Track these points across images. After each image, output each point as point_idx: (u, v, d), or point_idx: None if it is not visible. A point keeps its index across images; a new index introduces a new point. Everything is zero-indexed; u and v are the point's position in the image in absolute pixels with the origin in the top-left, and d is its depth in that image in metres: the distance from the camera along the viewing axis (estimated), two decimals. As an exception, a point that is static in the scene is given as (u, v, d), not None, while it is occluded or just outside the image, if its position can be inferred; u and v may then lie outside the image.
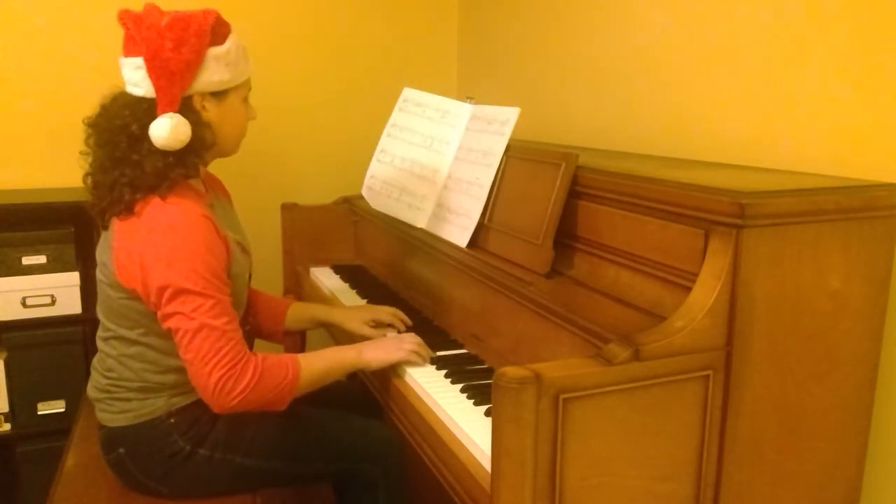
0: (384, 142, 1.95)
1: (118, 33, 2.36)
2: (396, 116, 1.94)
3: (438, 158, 1.79)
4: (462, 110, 1.80)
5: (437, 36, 2.80)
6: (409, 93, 1.94)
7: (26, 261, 2.07)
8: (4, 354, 2.06)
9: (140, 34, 1.29)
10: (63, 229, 2.11)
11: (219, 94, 1.38)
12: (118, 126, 1.32)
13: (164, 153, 1.31)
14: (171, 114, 1.30)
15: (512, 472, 0.97)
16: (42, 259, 2.08)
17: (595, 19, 1.98)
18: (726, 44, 1.55)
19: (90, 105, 2.12)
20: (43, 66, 2.29)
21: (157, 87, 1.30)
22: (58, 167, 2.33)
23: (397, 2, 2.72)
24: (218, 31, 1.34)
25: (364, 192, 1.98)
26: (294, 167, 2.66)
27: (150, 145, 1.31)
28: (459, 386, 1.38)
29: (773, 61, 1.44)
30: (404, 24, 2.74)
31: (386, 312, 1.70)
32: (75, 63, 2.32)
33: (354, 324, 1.67)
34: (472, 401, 1.31)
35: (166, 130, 1.29)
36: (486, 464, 1.09)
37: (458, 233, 1.64)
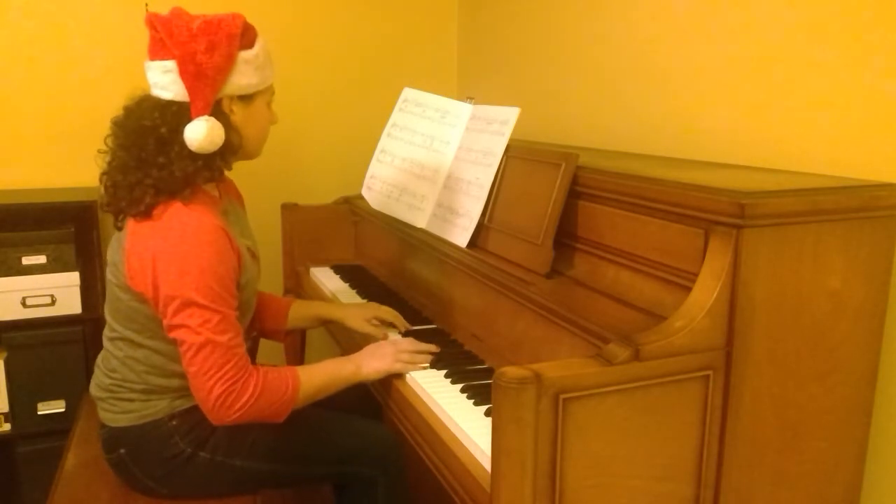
0: (384, 142, 1.95)
1: (119, 34, 2.38)
2: (396, 116, 1.94)
3: (438, 158, 1.79)
4: (462, 110, 1.80)
5: (437, 36, 2.80)
6: (409, 93, 1.94)
7: (26, 261, 2.07)
8: (4, 354, 2.06)
9: (171, 38, 1.28)
10: (63, 229, 2.11)
11: (246, 98, 1.38)
12: (147, 127, 1.31)
13: (194, 157, 1.32)
14: (206, 117, 1.31)
15: (512, 472, 0.97)
16: (42, 259, 2.08)
17: (595, 19, 1.98)
18: (726, 44, 1.55)
19: (91, 105, 2.14)
20: (43, 67, 2.29)
21: (191, 91, 1.30)
22: (58, 167, 2.33)
23: (397, 2, 2.72)
24: (247, 34, 1.35)
25: (364, 192, 1.98)
26: (294, 167, 2.66)
27: (181, 149, 1.31)
28: (459, 386, 1.38)
29: (773, 61, 1.44)
30: (404, 24, 2.74)
31: (387, 311, 1.70)
32: (75, 63, 2.32)
33: (356, 321, 1.68)
34: (472, 401, 1.31)
35: (202, 133, 1.29)
36: (486, 464, 1.09)
37: (458, 233, 1.64)
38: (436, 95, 1.88)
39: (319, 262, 2.32)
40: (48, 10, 2.27)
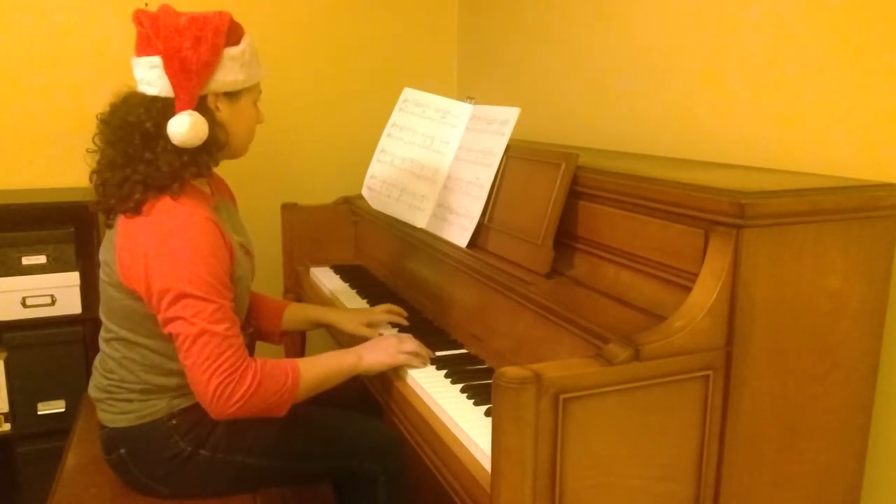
0: (384, 142, 1.95)
1: (119, 34, 2.38)
2: (396, 116, 1.94)
3: (438, 158, 1.79)
4: (462, 110, 1.80)
5: (437, 36, 2.80)
6: (409, 93, 1.94)
7: (26, 261, 2.07)
8: (4, 354, 2.06)
9: (157, 33, 1.29)
10: (63, 229, 2.11)
11: (232, 95, 1.39)
12: (132, 123, 1.32)
13: (180, 152, 1.32)
14: (189, 111, 1.31)
15: (512, 472, 0.97)
16: (42, 259, 2.08)
17: (595, 19, 1.98)
18: (726, 44, 1.55)
19: (90, 105, 2.12)
20: (43, 67, 2.29)
21: (175, 85, 1.30)
22: (58, 167, 2.33)
23: (397, 2, 2.72)
24: (233, 31, 1.36)
25: (364, 192, 1.98)
26: (294, 167, 2.66)
27: (166, 143, 1.31)
28: (459, 386, 1.38)
29: (773, 61, 1.44)
30: (404, 24, 2.74)
31: (380, 312, 1.70)
32: (75, 63, 2.32)
33: (350, 325, 1.68)
34: (472, 401, 1.31)
35: (185, 127, 1.30)
36: (486, 464, 1.09)
37: (458, 233, 1.64)
38: (436, 95, 1.88)
39: (319, 262, 2.31)
40: (49, 10, 2.27)
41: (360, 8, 2.67)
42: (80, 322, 2.11)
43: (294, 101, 2.60)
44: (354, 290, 2.02)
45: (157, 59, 1.30)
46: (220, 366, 1.25)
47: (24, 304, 2.06)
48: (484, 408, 1.28)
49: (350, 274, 2.18)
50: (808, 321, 1.11)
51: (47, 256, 2.09)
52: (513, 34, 2.42)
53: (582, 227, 1.38)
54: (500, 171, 1.59)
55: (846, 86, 1.30)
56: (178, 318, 1.26)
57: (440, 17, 2.79)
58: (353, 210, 2.32)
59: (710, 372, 1.06)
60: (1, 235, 2.05)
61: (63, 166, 2.33)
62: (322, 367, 1.40)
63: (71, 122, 2.31)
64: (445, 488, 1.21)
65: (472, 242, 1.61)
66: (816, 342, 1.13)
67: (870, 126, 1.26)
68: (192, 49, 1.29)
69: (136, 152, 1.32)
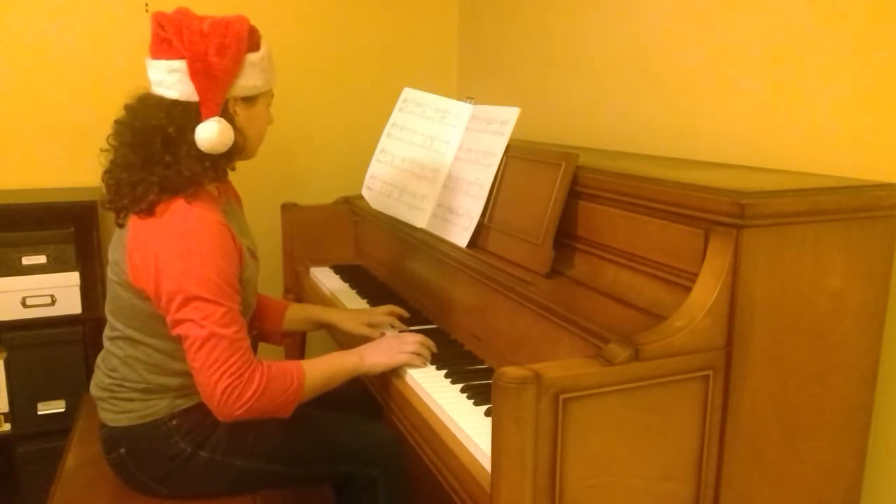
0: (384, 142, 1.95)
1: (119, 34, 2.38)
2: (396, 116, 1.94)
3: (438, 158, 1.79)
4: (462, 110, 1.80)
5: (437, 36, 2.80)
6: (409, 93, 1.95)
7: (26, 261, 2.07)
8: (4, 354, 2.06)
9: (180, 38, 1.29)
10: (63, 229, 2.11)
11: (249, 100, 1.39)
12: (153, 126, 1.32)
13: (202, 157, 1.32)
14: (217, 118, 1.31)
15: (512, 472, 0.97)
16: (42, 259, 2.08)
17: (595, 19, 1.98)
18: (726, 44, 1.55)
19: (90, 106, 2.14)
20: (43, 67, 2.29)
21: (201, 91, 1.30)
22: (58, 167, 2.33)
23: (397, 2, 2.72)
24: (253, 37, 1.36)
25: (364, 192, 1.98)
26: (294, 167, 2.66)
27: (189, 148, 1.31)
28: (459, 386, 1.38)
29: (773, 61, 1.44)
30: (404, 24, 2.74)
31: (381, 313, 1.70)
32: (75, 63, 2.32)
33: (351, 325, 1.68)
34: (472, 401, 1.31)
35: (214, 134, 1.30)
36: (486, 464, 1.09)
37: (458, 233, 1.64)
38: (436, 95, 1.88)
39: (319, 262, 2.32)
40: (48, 10, 2.27)
41: (359, 8, 2.67)
42: (80, 322, 2.11)
43: (294, 102, 2.60)
44: (354, 290, 2.02)
45: (177, 63, 1.30)
46: (228, 368, 1.25)
47: (24, 304, 2.06)
48: (484, 408, 1.28)
49: (350, 274, 2.18)
50: (808, 321, 1.11)
51: (47, 256, 2.09)
52: (513, 34, 2.42)
53: (582, 227, 1.38)
54: (500, 171, 1.59)
55: (846, 86, 1.30)
56: (187, 320, 1.26)
57: (440, 17, 2.79)
58: (353, 210, 2.32)
59: (710, 372, 1.06)
60: (1, 235, 2.05)
61: (63, 166, 2.33)
62: (326, 369, 1.40)
63: (71, 122, 2.31)
64: (445, 488, 1.21)
65: (472, 242, 1.62)
66: (816, 342, 1.13)
67: (870, 126, 1.26)
68: (218, 56, 1.29)
69: (155, 155, 1.31)
